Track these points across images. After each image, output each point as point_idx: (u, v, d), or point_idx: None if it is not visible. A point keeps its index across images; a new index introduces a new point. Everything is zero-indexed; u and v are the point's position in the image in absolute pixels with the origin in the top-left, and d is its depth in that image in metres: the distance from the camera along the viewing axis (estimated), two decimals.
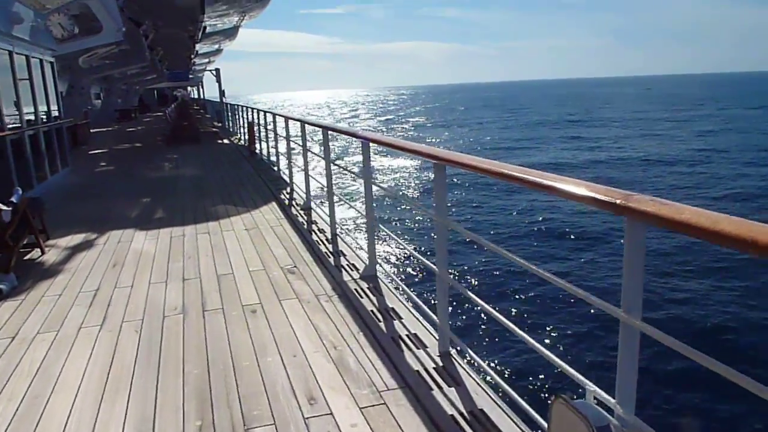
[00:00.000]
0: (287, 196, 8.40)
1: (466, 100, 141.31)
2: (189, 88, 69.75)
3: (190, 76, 50.55)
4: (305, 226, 6.49)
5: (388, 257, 12.89)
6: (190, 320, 3.89)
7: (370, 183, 4.54)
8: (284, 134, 8.62)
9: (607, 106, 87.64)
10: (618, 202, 1.59)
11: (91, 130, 26.32)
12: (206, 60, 44.67)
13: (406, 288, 4.26)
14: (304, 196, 7.71)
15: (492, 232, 16.11)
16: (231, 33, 26.29)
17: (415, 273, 11.88)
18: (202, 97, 57.25)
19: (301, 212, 7.24)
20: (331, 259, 5.17)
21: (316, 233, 6.16)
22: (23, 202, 5.46)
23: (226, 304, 4.16)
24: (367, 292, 4.30)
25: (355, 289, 4.36)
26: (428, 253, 11.24)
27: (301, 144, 7.40)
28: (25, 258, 5.67)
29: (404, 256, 12.58)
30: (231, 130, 21.57)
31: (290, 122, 8.24)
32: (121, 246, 5.96)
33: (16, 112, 8.77)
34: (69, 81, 22.41)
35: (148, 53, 24.04)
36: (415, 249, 11.13)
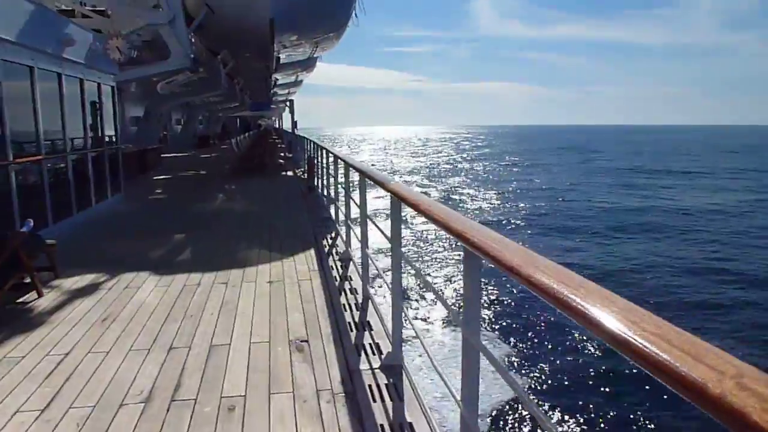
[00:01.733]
0: (329, 242, 7.52)
1: (541, 142, 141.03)
2: (273, 118, 71.78)
3: (272, 106, 51.66)
4: (337, 283, 5.57)
5: (420, 338, 11.37)
6: (148, 415, 3.00)
7: (399, 251, 3.55)
8: (334, 173, 7.81)
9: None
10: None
11: (167, 155, 26.87)
12: (286, 91, 45.35)
13: (435, 385, 3.22)
14: (344, 245, 6.83)
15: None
16: (307, 65, 26.29)
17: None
18: (281, 126, 58.38)
19: (338, 264, 6.34)
20: (353, 335, 4.20)
21: (346, 294, 5.22)
22: (15, 238, 4.82)
23: (202, 393, 3.25)
24: (384, 392, 3.29)
25: (370, 385, 3.36)
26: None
27: (344, 186, 6.54)
28: (17, 301, 5.01)
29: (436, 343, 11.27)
30: (298, 163, 21.21)
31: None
32: (125, 294, 5.22)
33: (61, 137, 8.41)
34: (146, 106, 22.88)
35: (225, 82, 24.31)
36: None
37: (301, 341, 4.05)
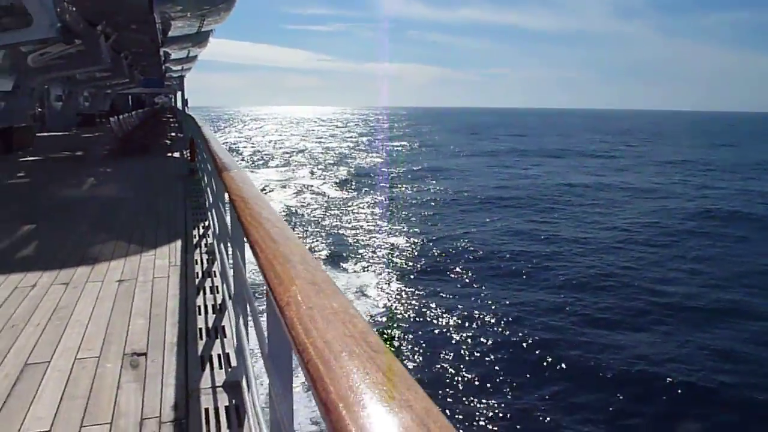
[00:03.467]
0: (200, 233, 6.86)
1: (439, 123, 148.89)
2: (170, 96, 68.32)
3: (167, 83, 49.01)
4: (197, 281, 4.99)
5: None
6: None
7: (241, 243, 2.97)
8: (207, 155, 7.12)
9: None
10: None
11: (43, 134, 24.71)
12: (180, 67, 43.07)
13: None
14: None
15: None
16: (199, 40, 24.85)
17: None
18: (176, 105, 55.67)
19: (205, 258, 5.75)
20: (201, 344, 3.68)
21: (205, 293, 4.66)
22: None
23: None
24: (222, 416, 2.83)
25: (207, 409, 2.88)
26: None
27: (210, 169, 5.91)
28: None
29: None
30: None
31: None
32: None
33: None
34: (16, 80, 20.78)
35: (108, 56, 22.52)
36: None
37: (138, 355, 3.48)
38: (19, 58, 19.42)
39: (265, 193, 31.86)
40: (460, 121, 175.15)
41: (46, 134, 24.56)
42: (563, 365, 10.74)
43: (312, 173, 39.99)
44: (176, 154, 16.44)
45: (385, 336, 11.67)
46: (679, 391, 9.95)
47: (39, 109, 27.38)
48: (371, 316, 12.86)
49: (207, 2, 15.03)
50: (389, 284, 14.95)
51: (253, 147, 64.21)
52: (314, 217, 24.40)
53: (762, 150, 66.93)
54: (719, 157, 55.82)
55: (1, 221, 7.55)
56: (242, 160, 49.52)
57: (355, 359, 0.74)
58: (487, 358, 10.98)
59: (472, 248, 18.29)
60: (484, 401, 9.41)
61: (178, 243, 6.19)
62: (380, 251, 18.58)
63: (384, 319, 12.88)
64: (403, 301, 13.77)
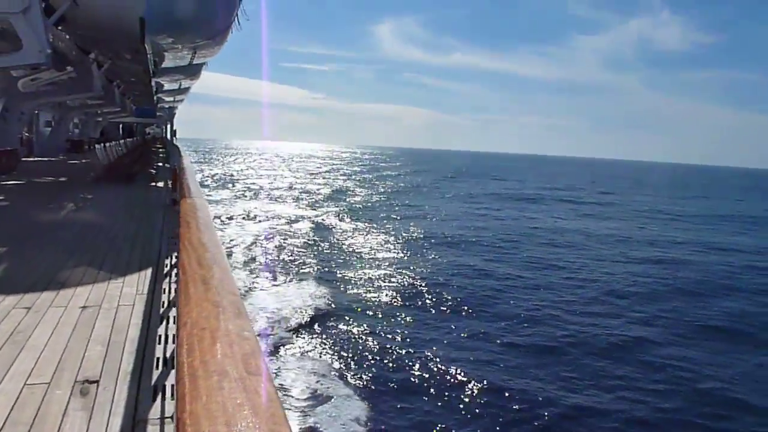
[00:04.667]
0: (173, 261, 6.79)
1: (430, 164, 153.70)
2: (161, 126, 68.60)
3: (159, 114, 49.24)
4: (163, 309, 4.93)
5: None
6: None
7: None
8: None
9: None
10: None
11: (30, 159, 24.63)
12: (172, 98, 43.34)
13: None
14: None
15: None
16: (191, 72, 25.06)
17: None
18: (168, 135, 55.82)
19: (173, 287, 5.69)
20: (156, 373, 3.61)
21: (168, 323, 4.59)
22: None
23: None
24: None
25: None
26: None
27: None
28: None
29: None
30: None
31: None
32: None
33: None
34: (4, 104, 20.80)
35: (100, 84, 22.64)
36: None
37: (90, 383, 3.41)
38: (9, 82, 19.49)
39: (243, 220, 32.63)
40: (448, 163, 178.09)
41: (32, 159, 24.48)
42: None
43: (297, 204, 41.15)
44: (160, 184, 16.41)
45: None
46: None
47: (27, 134, 27.36)
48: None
49: (198, 36, 15.22)
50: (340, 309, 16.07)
51: (241, 179, 65.48)
52: (290, 242, 26.17)
53: (729, 203, 70.25)
54: (684, 208, 58.26)
55: None
56: (227, 189, 50.41)
57: (225, 381, 0.73)
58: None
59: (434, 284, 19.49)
60: None
61: (149, 271, 6.13)
62: (341, 275, 20.05)
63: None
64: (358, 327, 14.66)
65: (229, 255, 23.83)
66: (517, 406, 10.98)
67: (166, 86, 34.08)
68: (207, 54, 18.73)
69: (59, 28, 14.58)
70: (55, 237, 8.25)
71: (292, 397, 10.40)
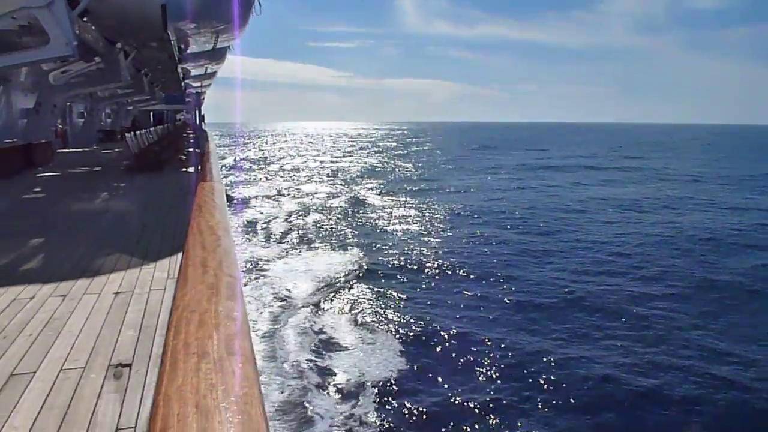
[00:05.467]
0: None
1: (461, 138, 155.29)
2: (191, 112, 69.36)
3: (188, 99, 49.76)
4: None
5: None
6: None
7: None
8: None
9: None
10: None
11: (65, 150, 25.19)
12: (199, 83, 43.72)
13: None
14: None
15: None
16: (216, 56, 25.24)
17: None
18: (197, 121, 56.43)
19: None
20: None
21: None
22: None
23: None
24: None
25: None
26: None
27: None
28: None
29: None
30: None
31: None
32: None
33: None
34: (38, 97, 21.26)
35: (128, 73, 22.95)
36: None
37: (123, 366, 3.50)
38: (41, 76, 19.89)
39: (279, 197, 33.66)
40: (477, 135, 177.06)
41: (67, 151, 25.04)
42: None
43: (332, 182, 42.01)
44: (190, 169, 16.63)
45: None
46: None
47: (61, 126, 27.93)
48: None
49: (220, 20, 15.29)
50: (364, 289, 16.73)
51: (274, 160, 66.60)
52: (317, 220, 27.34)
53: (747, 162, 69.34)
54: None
55: (11, 235, 7.68)
56: (262, 170, 51.49)
57: (203, 362, 0.74)
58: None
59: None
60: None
61: (179, 256, 6.24)
62: (368, 256, 20.51)
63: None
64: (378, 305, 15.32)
65: (266, 231, 24.69)
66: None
67: (193, 72, 34.36)
68: (229, 37, 18.81)
69: (84, 19, 14.79)
70: (89, 226, 8.45)
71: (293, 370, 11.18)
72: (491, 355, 12.05)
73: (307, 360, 11.68)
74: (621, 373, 11.53)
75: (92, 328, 4.14)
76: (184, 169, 16.89)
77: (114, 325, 4.18)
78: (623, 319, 14.31)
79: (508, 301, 15.45)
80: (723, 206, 32.64)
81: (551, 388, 10.89)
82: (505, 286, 16.70)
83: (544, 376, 11.23)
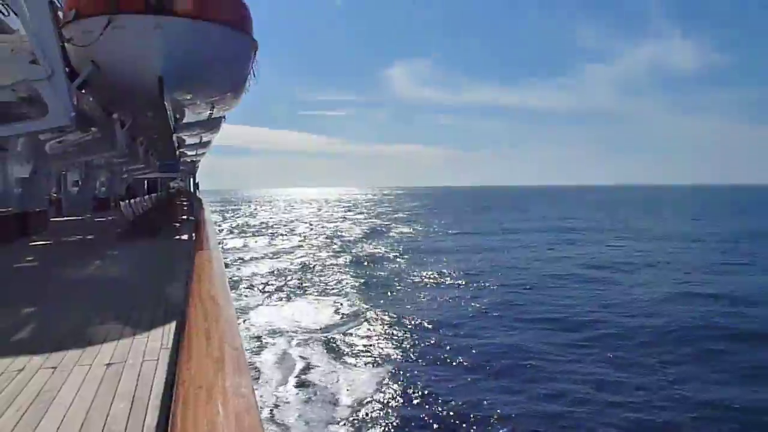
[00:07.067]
0: None
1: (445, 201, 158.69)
2: (184, 180, 69.85)
3: (182, 168, 50.17)
4: None
5: None
6: None
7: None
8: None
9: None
10: None
11: (58, 218, 25.20)
12: (194, 152, 44.24)
13: None
14: None
15: None
16: (211, 125, 25.67)
17: None
18: (192, 188, 56.79)
19: None
20: None
21: None
22: None
23: None
24: None
25: None
26: None
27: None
28: None
29: None
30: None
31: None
32: None
33: None
34: (33, 166, 21.43)
35: (124, 141, 23.24)
36: None
37: None
38: (37, 145, 20.12)
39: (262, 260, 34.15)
40: (469, 199, 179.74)
41: (61, 219, 25.06)
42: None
43: (331, 248, 42.64)
44: (185, 236, 16.63)
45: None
46: None
47: (55, 194, 28.07)
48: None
49: (215, 91, 15.67)
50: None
51: (271, 226, 67.48)
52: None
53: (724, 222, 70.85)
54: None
55: (2, 304, 7.60)
56: (259, 236, 52.10)
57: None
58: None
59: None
60: None
61: (173, 324, 6.17)
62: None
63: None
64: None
65: (267, 295, 24.89)
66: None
67: (188, 141, 34.83)
68: (225, 107, 19.21)
69: (83, 91, 15.12)
70: (82, 295, 8.37)
71: None
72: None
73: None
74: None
75: (83, 400, 4.06)
76: (178, 237, 16.90)
77: (106, 397, 4.10)
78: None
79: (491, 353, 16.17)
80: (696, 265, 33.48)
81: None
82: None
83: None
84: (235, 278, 29.85)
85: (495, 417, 11.96)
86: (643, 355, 16.20)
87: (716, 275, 29.67)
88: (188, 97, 15.48)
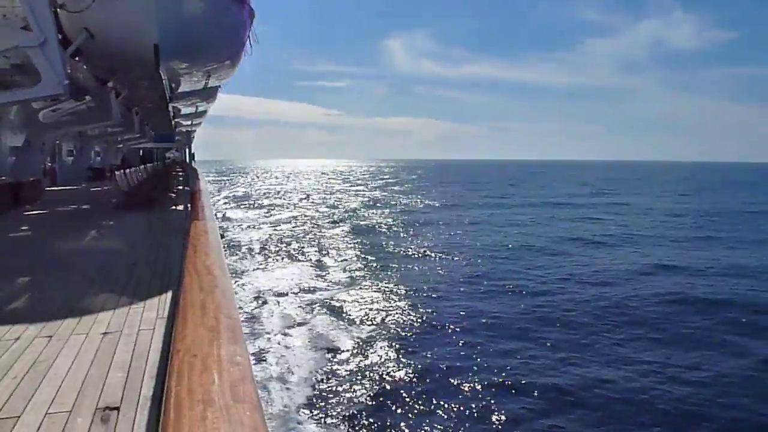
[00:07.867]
0: None
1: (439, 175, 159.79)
2: (181, 150, 69.51)
3: (177, 138, 49.87)
4: None
5: None
6: None
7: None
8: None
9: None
10: None
11: (53, 188, 25.06)
12: (190, 122, 43.92)
13: None
14: None
15: None
16: (207, 95, 25.37)
17: None
18: (187, 159, 56.57)
19: None
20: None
21: None
22: None
23: None
24: None
25: None
26: None
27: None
28: None
29: None
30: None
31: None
32: None
33: None
34: (27, 136, 21.24)
35: (119, 111, 23.01)
36: None
37: (110, 409, 3.41)
38: (30, 114, 19.90)
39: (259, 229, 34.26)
40: (465, 173, 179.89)
41: (55, 189, 24.92)
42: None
43: (330, 220, 42.91)
44: (180, 207, 16.55)
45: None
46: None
47: (50, 164, 27.88)
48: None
49: (211, 60, 15.44)
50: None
51: (267, 197, 67.58)
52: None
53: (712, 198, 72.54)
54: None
55: None
56: (256, 209, 52.13)
57: (209, 410, 0.72)
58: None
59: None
60: None
61: (169, 295, 6.16)
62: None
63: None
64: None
65: (264, 267, 24.94)
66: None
67: (184, 110, 34.53)
68: (221, 77, 18.98)
69: (76, 59, 14.88)
70: (77, 265, 8.34)
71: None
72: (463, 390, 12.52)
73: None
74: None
75: (79, 370, 4.05)
76: (174, 207, 16.83)
77: (102, 367, 4.09)
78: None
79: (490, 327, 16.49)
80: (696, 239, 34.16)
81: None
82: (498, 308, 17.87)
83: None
84: (232, 244, 30.03)
85: (470, 382, 12.49)
86: (615, 326, 17.07)
87: (683, 250, 30.31)
88: (184, 66, 15.25)
